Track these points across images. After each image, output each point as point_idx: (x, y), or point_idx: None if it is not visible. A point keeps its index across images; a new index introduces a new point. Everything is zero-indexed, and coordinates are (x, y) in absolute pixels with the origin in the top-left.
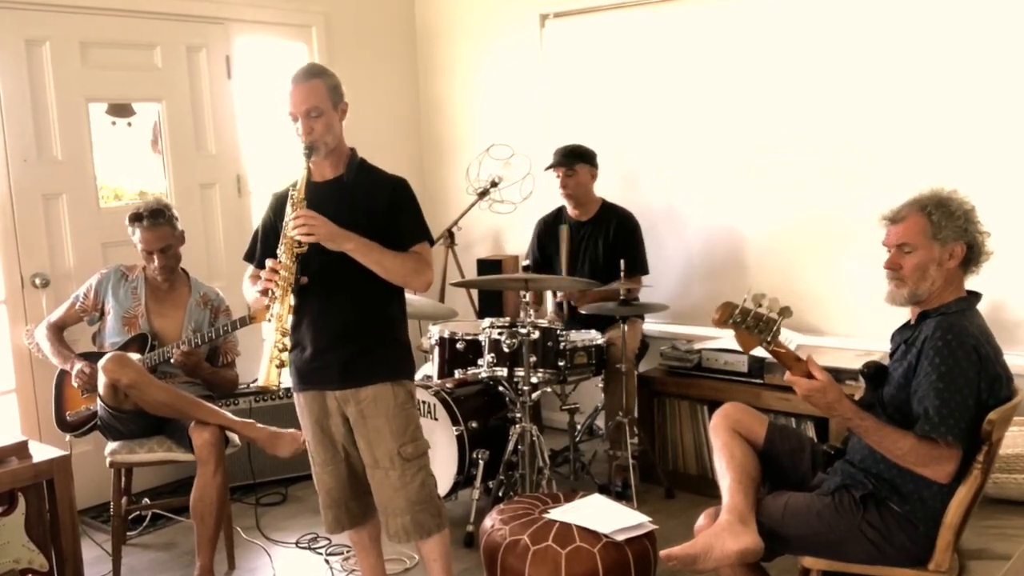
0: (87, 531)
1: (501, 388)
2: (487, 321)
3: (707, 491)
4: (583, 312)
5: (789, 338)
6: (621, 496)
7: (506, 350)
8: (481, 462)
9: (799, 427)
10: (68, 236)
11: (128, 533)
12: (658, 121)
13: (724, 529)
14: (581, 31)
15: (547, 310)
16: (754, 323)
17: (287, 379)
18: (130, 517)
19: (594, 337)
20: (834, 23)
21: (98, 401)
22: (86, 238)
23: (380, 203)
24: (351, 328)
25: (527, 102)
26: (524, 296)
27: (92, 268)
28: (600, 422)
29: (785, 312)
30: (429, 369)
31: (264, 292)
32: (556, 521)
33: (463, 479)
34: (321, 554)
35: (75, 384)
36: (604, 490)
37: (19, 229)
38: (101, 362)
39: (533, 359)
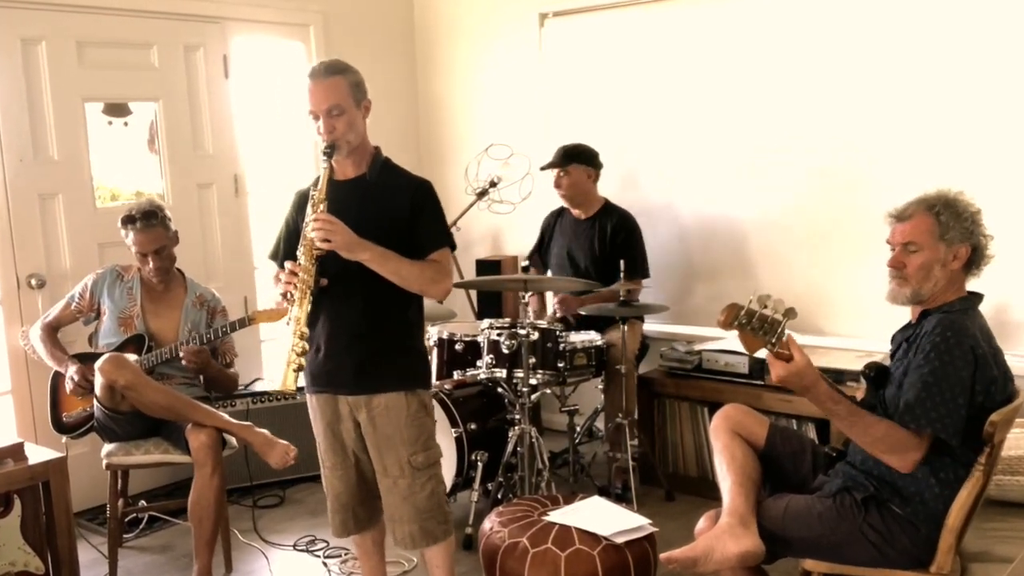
0: (83, 533)
1: (500, 389)
2: (486, 322)
3: (707, 493)
4: (583, 313)
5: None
6: (621, 498)
7: (505, 351)
8: (480, 464)
9: (800, 429)
10: (64, 236)
11: (124, 535)
12: (658, 121)
13: (725, 532)
14: (581, 30)
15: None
16: (759, 325)
17: (303, 382)
18: (126, 519)
19: (594, 338)
20: (834, 23)
21: (95, 402)
22: (82, 238)
23: (402, 204)
24: (367, 331)
25: (526, 101)
26: (524, 297)
27: (88, 268)
28: (600, 424)
29: (790, 313)
30: None
31: (284, 295)
32: (555, 523)
33: (462, 481)
34: (319, 557)
35: (68, 389)
36: (604, 492)
37: (15, 229)
38: (98, 363)
39: (532, 360)
